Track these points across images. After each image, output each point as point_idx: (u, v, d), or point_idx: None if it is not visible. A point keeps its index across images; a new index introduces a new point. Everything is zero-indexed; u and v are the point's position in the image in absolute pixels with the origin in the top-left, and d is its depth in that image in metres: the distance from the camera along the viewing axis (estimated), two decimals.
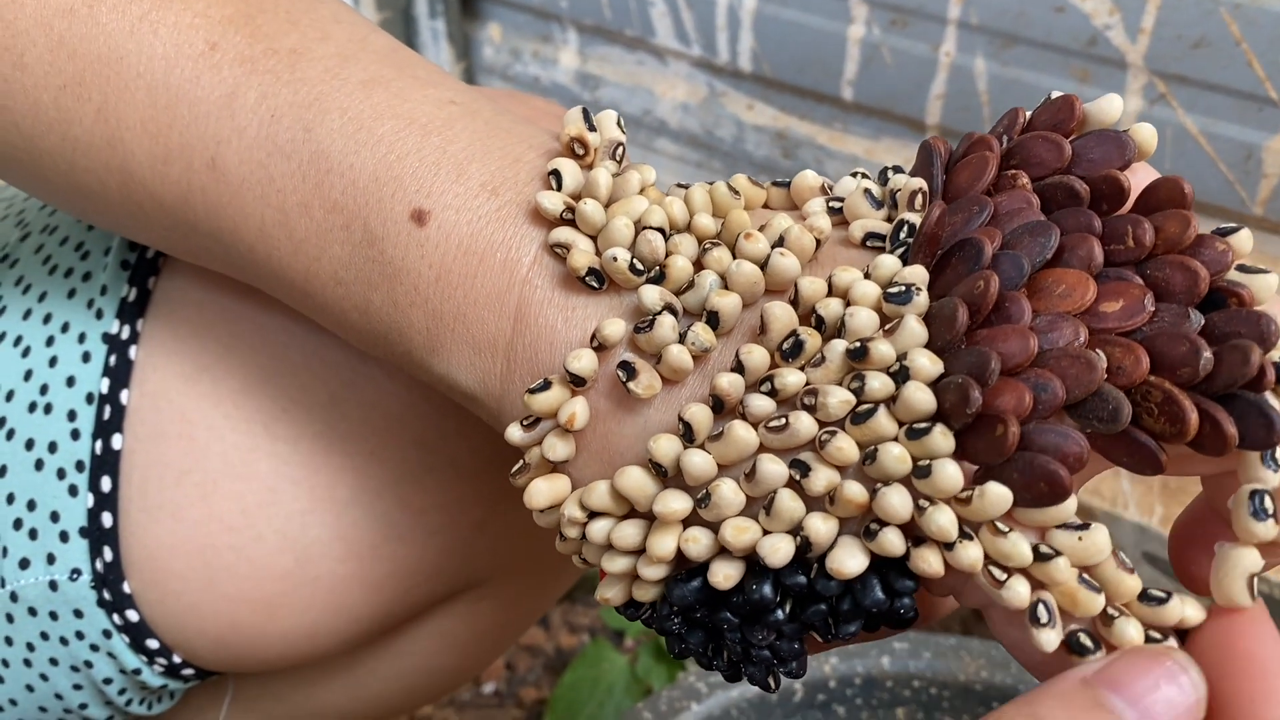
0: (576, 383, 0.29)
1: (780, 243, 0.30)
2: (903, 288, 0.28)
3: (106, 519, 0.39)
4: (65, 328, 0.39)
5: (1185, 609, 0.26)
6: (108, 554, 0.39)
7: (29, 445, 0.39)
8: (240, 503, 0.39)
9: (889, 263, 0.29)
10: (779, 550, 0.27)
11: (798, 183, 0.32)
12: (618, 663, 0.87)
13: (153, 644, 0.40)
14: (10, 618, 0.40)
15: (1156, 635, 0.26)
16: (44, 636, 0.40)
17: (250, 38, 0.33)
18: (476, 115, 0.33)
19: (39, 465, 0.39)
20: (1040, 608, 0.26)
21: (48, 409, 0.39)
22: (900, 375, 0.26)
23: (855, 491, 0.26)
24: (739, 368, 0.28)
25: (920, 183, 0.30)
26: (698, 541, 0.28)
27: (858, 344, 0.27)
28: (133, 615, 0.40)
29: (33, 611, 0.40)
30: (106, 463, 0.39)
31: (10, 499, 0.39)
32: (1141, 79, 0.71)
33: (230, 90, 0.32)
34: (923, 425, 0.26)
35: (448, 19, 0.98)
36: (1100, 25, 0.70)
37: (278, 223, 0.32)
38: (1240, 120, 0.69)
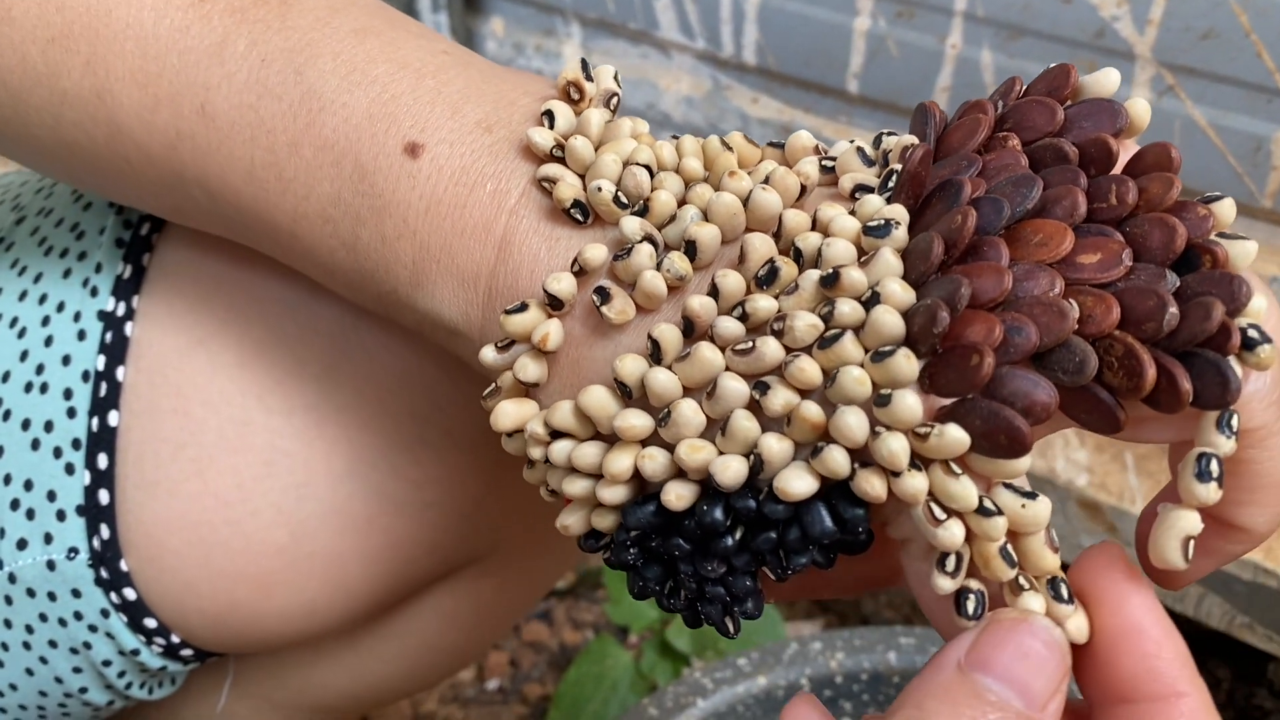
0: (554, 305, 0.29)
1: (765, 182, 0.30)
2: (881, 221, 0.28)
3: (103, 496, 0.39)
4: (61, 307, 0.39)
5: (1077, 618, 0.27)
6: (105, 532, 0.39)
7: (25, 425, 0.39)
8: (236, 477, 0.39)
9: (873, 201, 0.29)
10: (730, 468, 0.27)
11: (792, 142, 0.32)
12: (622, 659, 0.87)
13: (151, 623, 0.40)
14: (9, 600, 0.40)
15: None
16: (43, 618, 0.40)
17: None
18: (470, 64, 0.34)
19: (35, 445, 0.39)
20: (950, 558, 0.26)
21: (44, 388, 0.39)
22: (871, 302, 0.26)
23: (812, 411, 0.26)
24: (713, 292, 0.28)
25: (912, 138, 0.30)
26: (654, 459, 0.28)
27: (830, 271, 0.27)
28: (130, 593, 0.40)
29: (31, 592, 0.40)
30: (103, 440, 0.39)
31: (7, 479, 0.39)
32: (1149, 71, 0.70)
33: (220, 38, 0.32)
34: (888, 349, 0.26)
35: (450, 12, 0.98)
36: (1108, 17, 0.70)
37: (266, 164, 0.32)
38: (1249, 112, 0.69)
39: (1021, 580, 0.27)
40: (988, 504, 0.26)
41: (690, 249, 0.29)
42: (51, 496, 0.39)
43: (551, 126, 0.32)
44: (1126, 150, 0.29)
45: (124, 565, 0.39)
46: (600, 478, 0.30)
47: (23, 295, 0.40)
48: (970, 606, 0.27)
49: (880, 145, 0.32)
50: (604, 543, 0.31)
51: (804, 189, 0.30)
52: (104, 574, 0.39)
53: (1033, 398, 0.25)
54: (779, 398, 0.27)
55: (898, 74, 0.79)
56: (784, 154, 0.33)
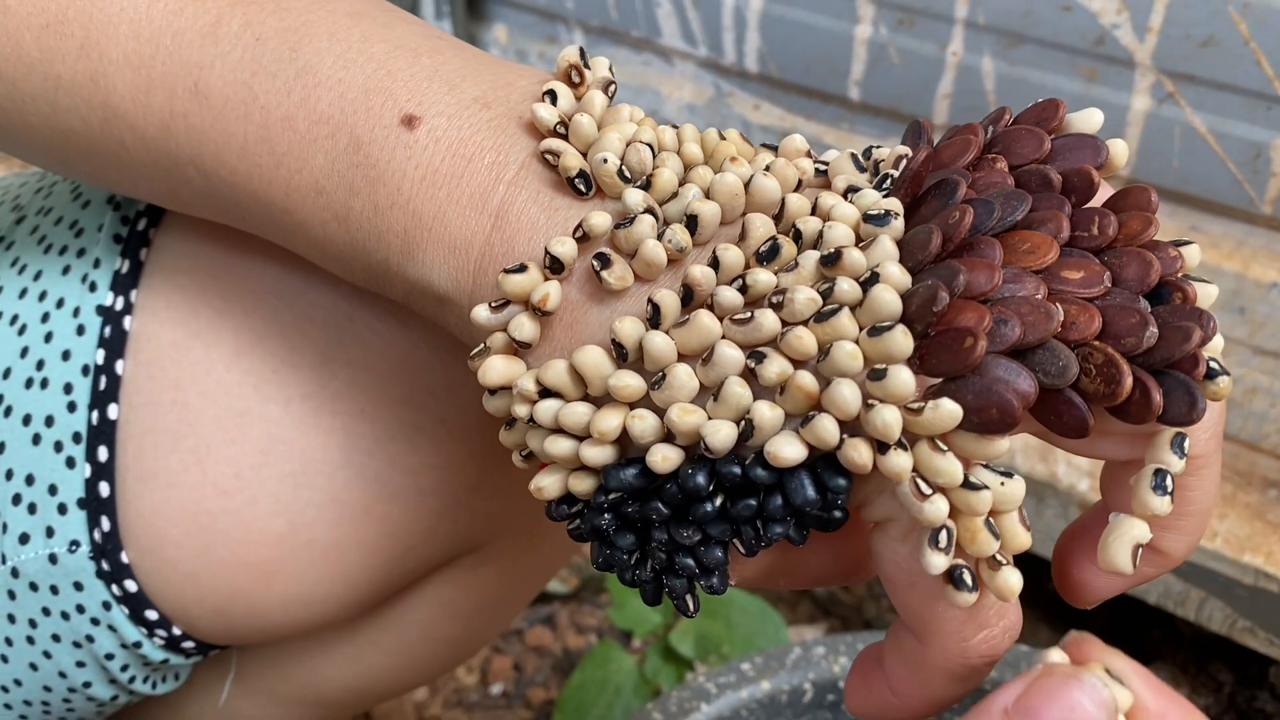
0: (554, 268, 0.30)
1: (766, 170, 0.31)
2: (882, 211, 0.28)
3: (104, 489, 0.39)
4: (60, 303, 0.40)
5: (1010, 575, 0.28)
6: (105, 524, 0.39)
7: (26, 420, 0.39)
8: (234, 466, 0.39)
9: (870, 194, 0.30)
10: (720, 431, 0.28)
11: (785, 145, 0.33)
12: (626, 663, 0.87)
13: (152, 615, 0.41)
14: (12, 594, 0.40)
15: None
16: (45, 612, 0.41)
17: None
18: (465, 48, 0.34)
19: (36, 440, 0.39)
20: (943, 533, 0.27)
21: (44, 384, 0.39)
22: (870, 282, 0.27)
23: (806, 380, 0.27)
24: (714, 263, 0.29)
25: (905, 149, 0.32)
26: (643, 419, 0.29)
27: (832, 250, 0.28)
28: (131, 585, 0.40)
29: (34, 586, 0.40)
30: (103, 433, 0.39)
31: (9, 475, 0.39)
32: (1149, 78, 0.71)
33: (214, 19, 0.33)
34: (885, 325, 0.26)
35: (454, 20, 0.98)
36: (1108, 24, 0.70)
37: (260, 139, 0.33)
38: (1249, 119, 0.69)
39: (999, 557, 0.28)
40: (973, 479, 0.27)
41: (691, 223, 0.30)
42: (53, 490, 0.39)
43: (554, 104, 0.32)
44: (1105, 190, 0.31)
45: (125, 557, 0.40)
46: (583, 440, 0.30)
47: (23, 293, 0.40)
48: (969, 580, 0.28)
49: (870, 156, 0.33)
50: (575, 510, 0.31)
51: (800, 184, 0.31)
52: (105, 566, 0.40)
53: (1016, 385, 0.26)
54: (774, 366, 0.27)
55: (899, 81, 0.80)
56: (778, 155, 0.33)
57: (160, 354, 0.39)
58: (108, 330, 0.39)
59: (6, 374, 0.40)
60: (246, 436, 0.39)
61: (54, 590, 0.40)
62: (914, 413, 0.26)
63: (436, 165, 0.31)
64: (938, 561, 0.27)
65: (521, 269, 0.30)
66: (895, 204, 0.29)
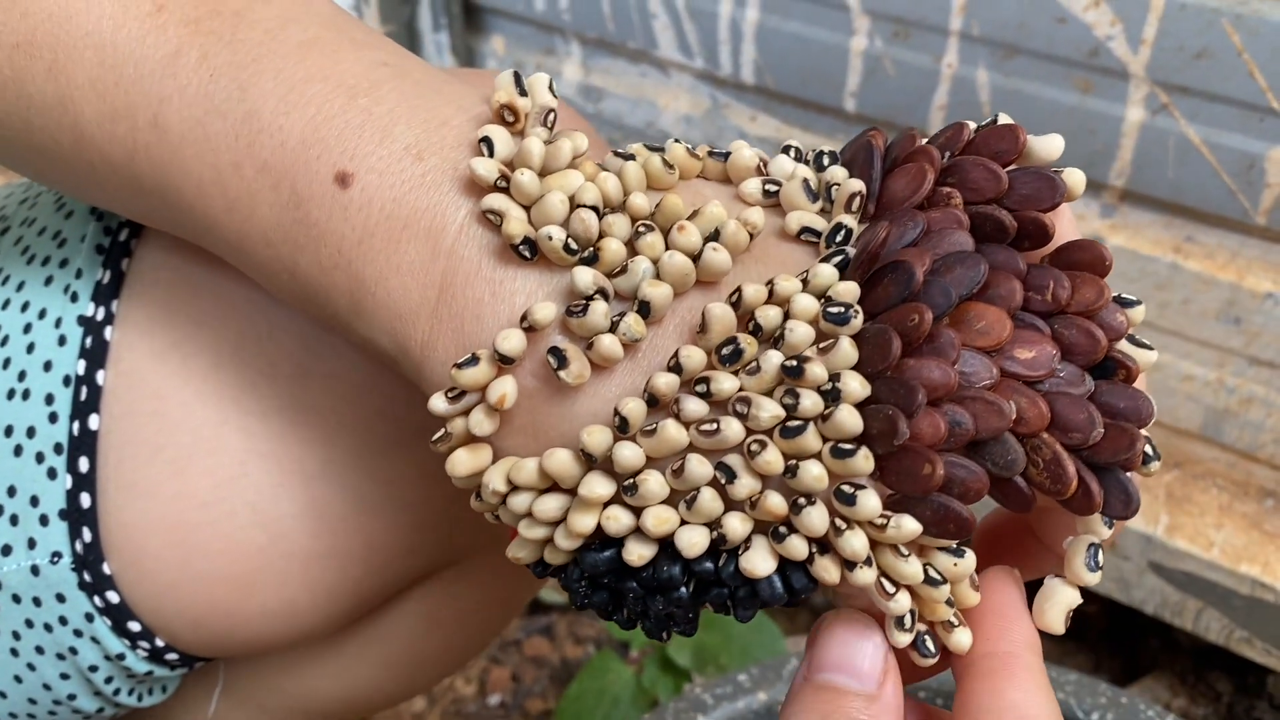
0: (505, 361, 0.30)
1: (715, 236, 0.31)
2: (842, 309, 0.29)
3: (85, 500, 0.39)
4: (42, 314, 0.40)
5: (962, 635, 0.31)
6: (87, 535, 0.39)
7: (8, 431, 0.39)
8: (212, 478, 0.39)
9: (826, 272, 0.30)
10: (695, 544, 0.29)
11: (734, 160, 0.33)
12: (623, 674, 0.87)
13: (135, 626, 0.41)
14: None
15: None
16: (29, 624, 0.41)
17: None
18: (406, 76, 0.33)
19: (18, 451, 0.39)
20: (906, 617, 0.29)
21: (25, 395, 0.39)
22: (831, 395, 0.28)
23: (776, 503, 0.29)
24: (676, 367, 0.29)
25: (859, 185, 0.32)
26: (618, 520, 0.30)
27: (794, 362, 0.29)
28: (113, 597, 0.40)
29: (16, 599, 0.40)
30: (84, 443, 0.39)
31: None
32: (1143, 89, 0.71)
33: (174, 50, 0.33)
34: (848, 446, 0.28)
35: (451, 32, 0.99)
36: (1102, 36, 0.70)
37: (213, 180, 0.33)
38: (1243, 130, 0.69)
39: (951, 619, 0.30)
40: (933, 574, 0.29)
41: (644, 309, 0.30)
42: (34, 501, 0.39)
43: (490, 154, 0.31)
44: (1061, 216, 0.32)
45: (106, 568, 0.40)
46: (557, 523, 0.31)
47: (6, 304, 0.40)
48: (932, 647, 0.30)
49: (823, 169, 0.33)
50: (551, 571, 0.33)
51: (752, 237, 0.31)
52: (87, 578, 0.40)
53: (968, 485, 0.28)
54: (744, 486, 0.29)
55: (894, 93, 0.80)
56: (725, 167, 0.33)
57: (140, 364, 0.39)
58: (89, 341, 0.39)
59: None
60: (225, 448, 0.39)
61: (36, 602, 0.40)
62: (878, 529, 0.28)
63: (372, 229, 0.31)
64: (903, 639, 0.29)
65: (474, 361, 0.30)
66: (852, 291, 0.30)
